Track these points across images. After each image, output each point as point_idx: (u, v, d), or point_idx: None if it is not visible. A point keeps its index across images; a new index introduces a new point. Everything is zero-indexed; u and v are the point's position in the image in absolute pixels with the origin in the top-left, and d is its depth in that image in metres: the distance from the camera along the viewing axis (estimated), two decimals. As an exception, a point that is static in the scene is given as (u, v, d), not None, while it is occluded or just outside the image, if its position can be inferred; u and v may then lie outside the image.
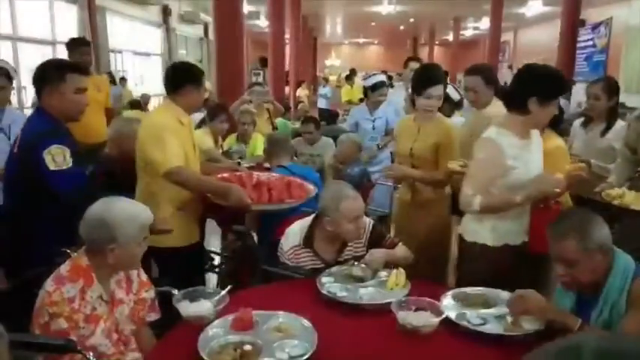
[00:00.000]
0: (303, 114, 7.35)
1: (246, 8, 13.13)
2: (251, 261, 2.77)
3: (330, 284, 2.00)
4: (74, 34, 9.18)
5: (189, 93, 2.58)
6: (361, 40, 29.53)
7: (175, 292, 1.88)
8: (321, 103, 12.58)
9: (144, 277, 1.92)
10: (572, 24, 10.96)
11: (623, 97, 5.64)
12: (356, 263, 2.18)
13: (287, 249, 2.24)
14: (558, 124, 2.64)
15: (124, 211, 1.73)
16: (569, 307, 1.74)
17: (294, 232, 2.28)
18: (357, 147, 3.92)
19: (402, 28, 22.46)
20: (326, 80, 15.32)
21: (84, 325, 1.65)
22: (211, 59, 13.64)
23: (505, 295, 1.92)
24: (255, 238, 3.00)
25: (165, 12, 13.31)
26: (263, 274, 2.28)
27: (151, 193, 2.53)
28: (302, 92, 13.00)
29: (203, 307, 1.76)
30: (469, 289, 1.99)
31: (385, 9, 15.45)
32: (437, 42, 26.07)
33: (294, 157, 4.15)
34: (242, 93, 5.10)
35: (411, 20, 20.00)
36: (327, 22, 22.05)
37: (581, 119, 3.35)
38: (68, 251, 2.10)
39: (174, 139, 2.49)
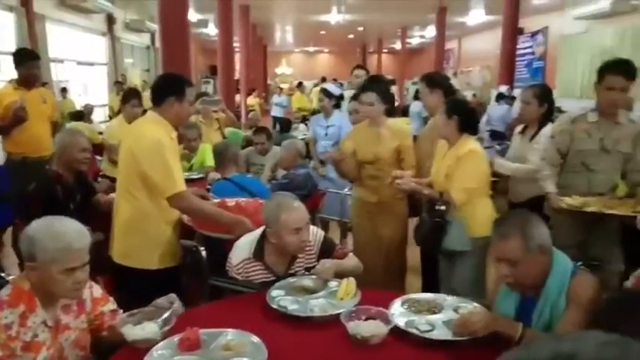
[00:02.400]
0: (255, 123, 7.31)
1: (195, 16, 12.95)
2: (201, 276, 2.71)
3: (280, 297, 1.98)
4: (12, 42, 8.78)
5: (171, 106, 2.48)
6: (311, 49, 29.67)
7: (120, 312, 1.81)
8: (276, 112, 12.55)
9: (97, 293, 1.83)
10: (512, 32, 11.43)
11: (559, 102, 5.94)
12: (306, 274, 2.17)
13: (236, 263, 2.19)
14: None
15: (49, 229, 1.61)
16: (514, 307, 1.79)
17: (243, 245, 2.24)
18: (298, 153, 3.93)
19: (351, 36, 22.74)
20: (280, 89, 15.38)
21: (22, 353, 1.56)
22: (159, 68, 13.35)
23: (451, 300, 1.97)
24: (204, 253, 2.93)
25: (110, 20, 12.93)
26: (211, 290, 2.23)
27: (147, 211, 2.43)
28: (253, 101, 12.94)
29: (148, 329, 1.69)
30: (417, 295, 2.02)
31: (334, 18, 15.57)
32: (385, 50, 26.63)
33: (243, 167, 4.07)
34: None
35: (360, 29, 20.28)
36: (277, 30, 22.03)
37: (522, 126, 3.34)
38: (2, 275, 2.01)
39: (174, 159, 2.42)
